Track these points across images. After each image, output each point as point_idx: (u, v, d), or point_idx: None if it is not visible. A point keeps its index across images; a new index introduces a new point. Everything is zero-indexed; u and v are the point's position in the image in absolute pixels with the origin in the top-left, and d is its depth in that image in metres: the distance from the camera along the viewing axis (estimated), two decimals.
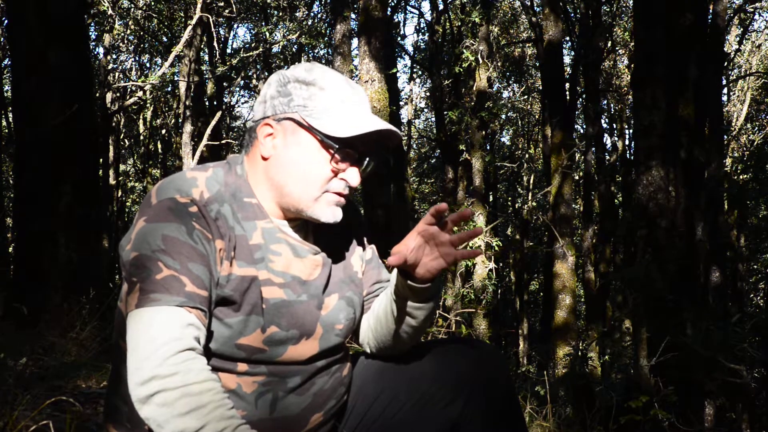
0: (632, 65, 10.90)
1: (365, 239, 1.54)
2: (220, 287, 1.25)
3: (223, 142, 12.68)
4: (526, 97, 18.07)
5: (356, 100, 1.34)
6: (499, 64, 14.40)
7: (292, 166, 1.32)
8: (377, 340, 1.48)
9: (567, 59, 15.53)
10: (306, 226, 1.40)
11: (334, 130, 1.28)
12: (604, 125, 17.54)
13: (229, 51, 15.83)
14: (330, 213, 1.33)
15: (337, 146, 1.30)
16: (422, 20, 17.65)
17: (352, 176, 1.33)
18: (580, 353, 8.85)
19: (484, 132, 12.59)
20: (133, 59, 15.77)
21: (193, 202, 1.25)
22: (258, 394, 1.29)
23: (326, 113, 1.30)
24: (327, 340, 1.36)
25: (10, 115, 10.34)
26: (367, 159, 1.36)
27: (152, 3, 12.84)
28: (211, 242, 1.24)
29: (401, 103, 16.39)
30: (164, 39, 14.60)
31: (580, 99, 14.60)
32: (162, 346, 1.13)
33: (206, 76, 13.99)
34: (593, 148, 14.55)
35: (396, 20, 15.42)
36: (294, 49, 15.20)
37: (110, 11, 10.67)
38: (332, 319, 1.38)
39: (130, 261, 1.20)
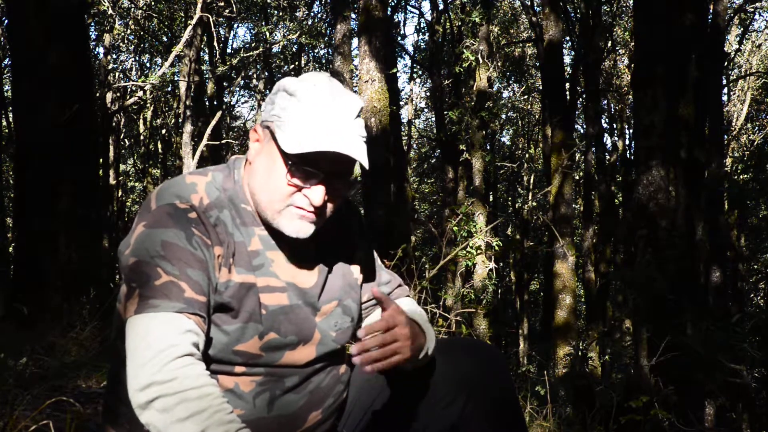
0: (632, 65, 10.90)
1: (367, 244, 1.53)
2: (219, 294, 1.25)
3: (223, 142, 12.69)
4: (526, 97, 18.07)
5: (332, 117, 1.26)
6: (499, 64, 14.38)
7: (260, 174, 1.30)
8: None
9: (567, 59, 15.55)
10: None
11: (286, 145, 1.24)
12: (604, 125, 17.53)
13: (229, 51, 15.83)
14: (293, 227, 1.29)
15: (291, 162, 1.26)
16: (422, 20, 17.62)
17: (314, 195, 1.26)
18: (580, 353, 8.86)
19: (484, 132, 12.58)
20: (133, 59, 15.77)
21: (192, 208, 1.24)
22: (255, 393, 1.29)
23: (290, 126, 1.25)
24: (325, 345, 1.36)
25: (10, 115, 10.34)
26: (347, 182, 1.31)
27: (152, 3, 12.84)
28: (210, 248, 1.24)
29: (401, 103, 16.38)
30: (164, 39, 14.59)
31: (580, 99, 14.59)
32: (160, 352, 1.13)
33: (206, 76, 13.99)
34: (593, 148, 14.55)
35: (396, 20, 15.42)
36: (294, 49, 15.21)
37: (110, 11, 10.67)
38: (328, 326, 1.38)
39: (129, 266, 1.20)
